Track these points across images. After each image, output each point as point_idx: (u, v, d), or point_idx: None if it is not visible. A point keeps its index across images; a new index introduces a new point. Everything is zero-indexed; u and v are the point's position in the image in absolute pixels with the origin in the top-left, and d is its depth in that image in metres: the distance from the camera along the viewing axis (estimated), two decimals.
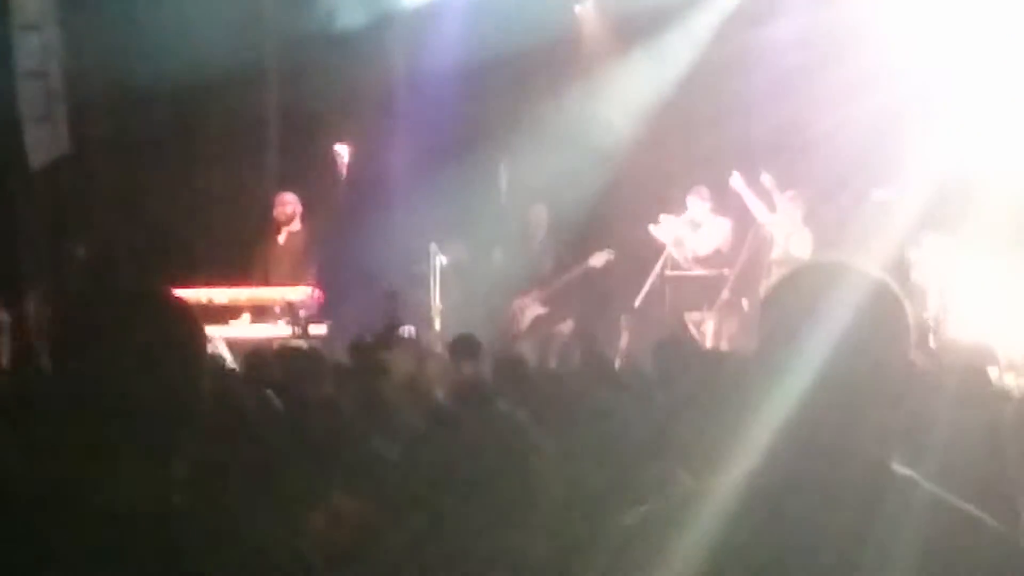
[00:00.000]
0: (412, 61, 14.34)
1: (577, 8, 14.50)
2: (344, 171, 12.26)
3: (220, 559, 2.09)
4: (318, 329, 11.46)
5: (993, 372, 7.79)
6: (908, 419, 2.27)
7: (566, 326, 13.13)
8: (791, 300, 2.28)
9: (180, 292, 2.27)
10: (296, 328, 11.30)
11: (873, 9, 12.57)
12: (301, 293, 11.60)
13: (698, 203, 12.88)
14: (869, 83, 12.23)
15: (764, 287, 11.42)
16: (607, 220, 13.62)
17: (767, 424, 2.20)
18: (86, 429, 2.12)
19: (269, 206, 12.54)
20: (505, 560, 3.89)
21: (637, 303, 12.75)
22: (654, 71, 13.73)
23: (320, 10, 13.65)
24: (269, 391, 6.87)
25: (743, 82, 13.10)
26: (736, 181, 12.63)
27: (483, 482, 4.00)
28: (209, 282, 11.55)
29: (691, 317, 12.63)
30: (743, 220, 12.74)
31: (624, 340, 12.93)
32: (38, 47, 12.65)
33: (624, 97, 13.85)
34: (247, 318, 11.73)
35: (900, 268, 10.21)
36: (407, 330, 11.73)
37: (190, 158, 13.92)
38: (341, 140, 12.70)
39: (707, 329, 12.47)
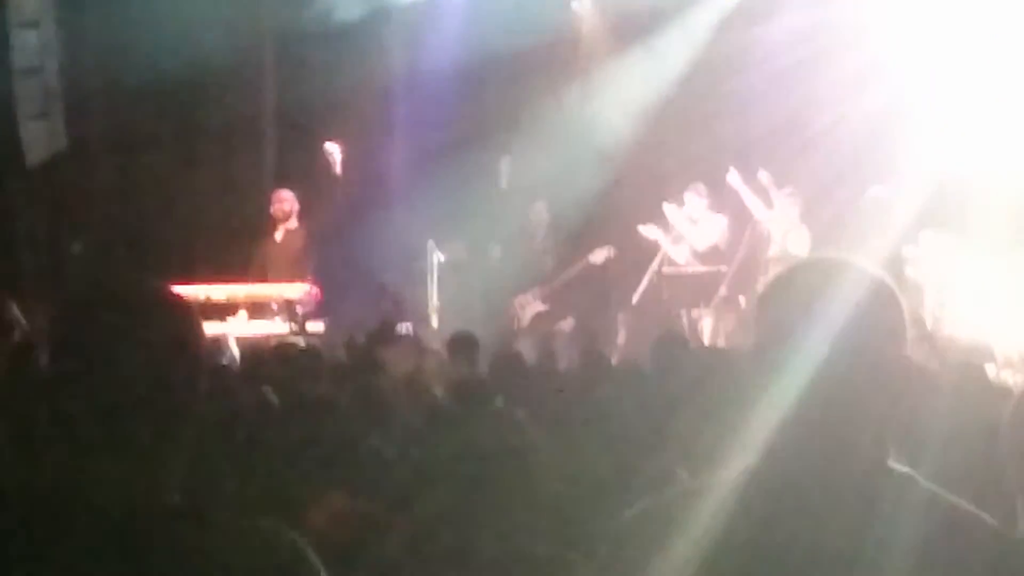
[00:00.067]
0: (410, 58, 14.34)
1: (575, 5, 14.49)
2: (341, 168, 12.24)
3: (219, 558, 2.09)
4: (316, 326, 11.46)
5: (991, 369, 7.79)
6: (905, 416, 2.27)
7: (566, 323, 13.15)
8: (788, 297, 2.28)
9: (178, 289, 2.26)
10: (294, 325, 11.30)
11: (870, 7, 12.57)
12: (299, 290, 11.59)
13: (695, 200, 12.89)
14: (866, 80, 12.24)
15: (761, 284, 11.42)
16: (606, 217, 13.63)
17: (764, 421, 2.20)
18: (84, 427, 2.12)
19: (266, 203, 12.54)
20: (503, 557, 3.89)
21: (634, 300, 12.76)
22: (652, 69, 13.73)
23: (318, 6, 13.64)
24: (267, 388, 6.87)
25: (741, 79, 13.10)
26: (733, 178, 12.63)
27: (481, 479, 4.00)
28: (207, 279, 11.55)
29: (688, 314, 12.64)
30: (740, 217, 12.75)
31: (622, 337, 12.95)
32: (36, 44, 12.65)
33: (622, 94, 13.86)
34: (244, 315, 11.72)
35: (895, 265, 10.21)
36: (404, 327, 11.74)
37: (187, 155, 13.92)
38: (338, 137, 12.69)
39: (704, 326, 12.47)
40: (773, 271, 11.23)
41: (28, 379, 6.57)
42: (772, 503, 2.19)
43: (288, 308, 11.46)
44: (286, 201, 12.35)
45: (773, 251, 12.44)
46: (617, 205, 13.64)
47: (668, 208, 12.82)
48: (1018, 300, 10.71)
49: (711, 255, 12.84)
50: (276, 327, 11.38)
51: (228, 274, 12.03)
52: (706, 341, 11.97)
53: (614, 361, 10.08)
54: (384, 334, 10.36)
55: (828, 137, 12.19)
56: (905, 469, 2.25)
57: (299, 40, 13.68)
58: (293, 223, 12.33)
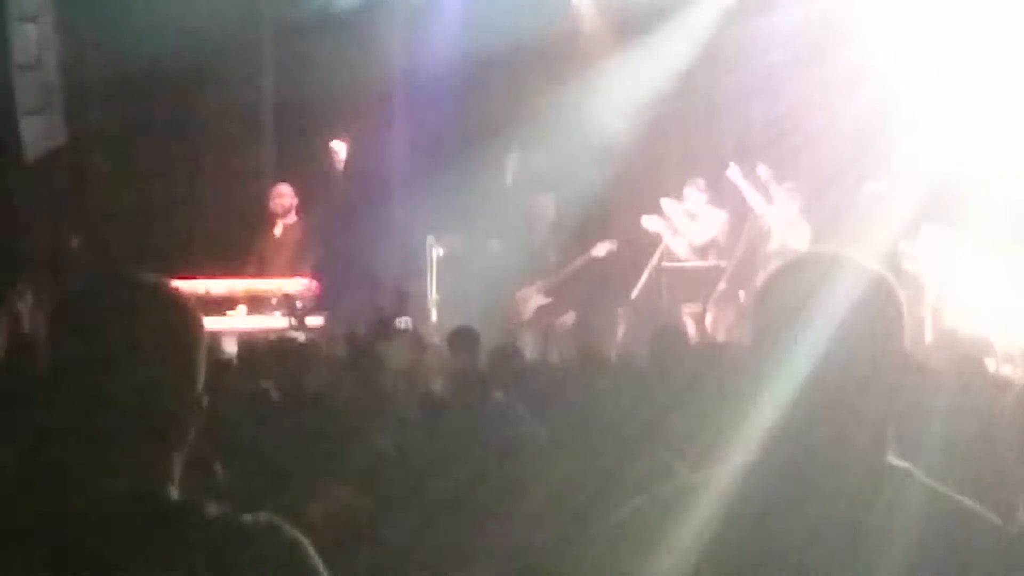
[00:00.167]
0: (410, 51, 14.33)
1: (574, 0, 14.50)
2: (341, 162, 12.25)
3: (217, 554, 2.09)
4: (315, 321, 11.46)
5: (990, 364, 7.78)
6: (904, 411, 2.27)
7: (568, 317, 13.16)
8: (786, 292, 2.28)
9: (177, 283, 2.26)
10: (293, 319, 11.30)
11: (868, 2, 12.57)
12: (298, 284, 11.59)
13: (695, 194, 12.89)
14: (866, 75, 12.25)
15: (760, 279, 11.42)
16: (607, 212, 13.63)
17: (762, 416, 2.20)
18: (83, 421, 2.11)
19: (265, 197, 12.54)
20: (500, 551, 3.90)
21: (634, 295, 12.77)
22: (652, 64, 13.72)
23: None
24: (266, 383, 6.87)
25: (741, 74, 13.11)
26: (733, 173, 12.64)
27: (479, 473, 4.01)
28: (206, 273, 11.54)
29: (688, 309, 12.65)
30: (740, 212, 12.76)
31: (621, 331, 12.96)
32: (35, 39, 12.63)
33: (622, 90, 13.85)
34: (243, 309, 11.72)
35: (893, 260, 10.21)
36: (403, 321, 11.74)
37: (186, 149, 13.91)
38: (338, 132, 12.69)
39: (704, 320, 12.48)
40: (772, 266, 11.27)
41: (28, 373, 6.58)
42: (770, 498, 2.19)
43: (287, 302, 11.46)
44: (285, 196, 12.36)
45: (773, 246, 12.44)
46: (618, 200, 13.64)
47: (667, 203, 12.83)
48: (1018, 295, 10.72)
49: (711, 249, 12.84)
50: (275, 321, 11.38)
51: (227, 268, 12.03)
52: (706, 336, 11.98)
53: (613, 355, 10.09)
54: (383, 328, 10.36)
55: (828, 132, 12.20)
56: (903, 463, 2.25)
57: (299, 33, 13.66)
58: (292, 218, 12.33)
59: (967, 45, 11.87)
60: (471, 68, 13.49)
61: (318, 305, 11.72)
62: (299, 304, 11.45)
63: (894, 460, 2.24)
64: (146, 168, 13.40)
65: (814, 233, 12.20)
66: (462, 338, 8.73)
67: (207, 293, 11.16)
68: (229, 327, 11.12)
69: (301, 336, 10.50)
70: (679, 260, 12.84)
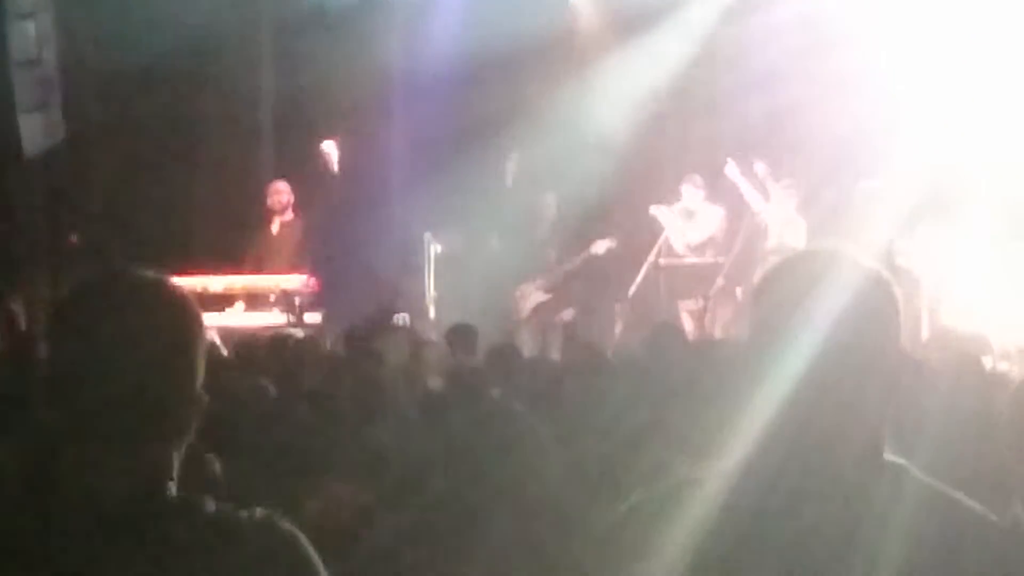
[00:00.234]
0: (409, 48, 14.33)
1: None
2: (334, 163, 12.24)
3: (216, 551, 2.09)
4: (313, 317, 11.46)
5: (987, 361, 7.79)
6: (900, 407, 2.28)
7: (567, 314, 13.17)
8: (783, 288, 2.28)
9: (176, 280, 2.25)
10: (291, 316, 11.29)
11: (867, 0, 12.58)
12: (296, 281, 11.59)
13: (692, 191, 12.89)
14: (864, 72, 12.25)
15: (758, 276, 11.42)
16: (606, 209, 13.63)
17: (759, 412, 2.21)
18: (82, 418, 2.12)
19: (263, 194, 12.54)
20: (499, 548, 3.90)
21: (631, 291, 12.77)
22: (649, 61, 13.72)
23: None
24: (264, 380, 6.87)
25: (738, 71, 13.10)
26: (730, 170, 12.64)
27: (477, 470, 4.01)
28: (204, 270, 11.54)
29: (685, 305, 12.66)
30: (737, 209, 12.75)
31: (619, 328, 12.97)
32: (33, 36, 12.62)
33: (620, 88, 13.84)
34: (241, 306, 11.72)
35: (889, 256, 10.22)
36: (401, 318, 11.74)
37: (185, 146, 13.91)
38: (336, 129, 12.68)
39: (702, 317, 12.48)
40: (770, 263, 11.26)
41: (28, 371, 6.58)
42: (767, 493, 2.20)
43: (285, 299, 11.46)
44: (282, 193, 12.36)
45: (770, 243, 12.45)
46: (617, 197, 13.64)
47: (657, 209, 12.81)
48: (1014, 292, 10.73)
49: (708, 246, 12.84)
50: (273, 318, 11.38)
51: (225, 265, 12.03)
52: (703, 333, 11.98)
53: (610, 352, 10.10)
54: (381, 325, 10.37)
55: (825, 129, 12.19)
56: (900, 460, 2.26)
57: (297, 31, 13.66)
58: (289, 215, 12.33)
59: (964, 42, 11.87)
60: (469, 66, 13.48)
61: (316, 302, 11.72)
62: (297, 301, 11.45)
63: (890, 457, 2.25)
64: (145, 165, 13.39)
65: (811, 230, 12.20)
66: (460, 335, 8.74)
67: (205, 290, 11.16)
68: (227, 324, 11.12)
69: (299, 333, 10.50)
70: (677, 257, 12.84)
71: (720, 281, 12.44)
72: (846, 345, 2.19)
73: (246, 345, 8.75)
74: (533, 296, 13.32)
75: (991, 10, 11.93)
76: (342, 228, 12.68)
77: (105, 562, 2.04)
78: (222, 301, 11.51)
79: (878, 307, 2.25)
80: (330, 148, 12.22)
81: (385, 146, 14.26)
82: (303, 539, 2.17)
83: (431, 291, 13.17)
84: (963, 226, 11.12)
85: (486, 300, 12.74)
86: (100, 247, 12.69)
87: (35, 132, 12.62)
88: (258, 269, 12.07)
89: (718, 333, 12.02)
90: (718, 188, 12.89)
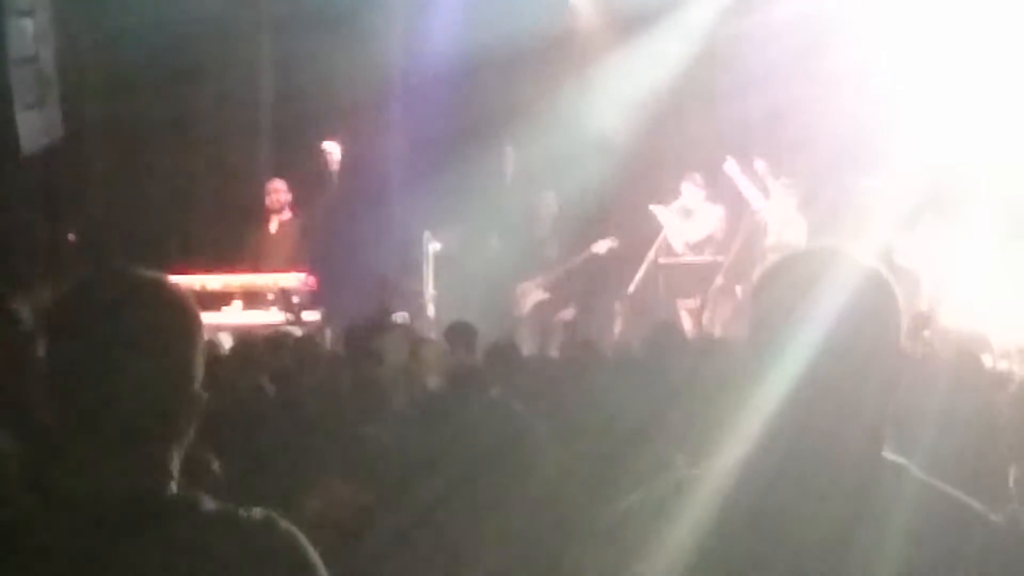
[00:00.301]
0: (409, 47, 14.33)
1: None
2: (334, 162, 12.23)
3: (215, 549, 2.09)
4: (312, 316, 11.45)
5: (987, 359, 7.79)
6: (900, 406, 2.27)
7: (567, 312, 13.18)
8: (783, 286, 2.28)
9: (174, 278, 2.25)
10: (289, 314, 11.29)
11: None
12: (295, 279, 11.58)
13: (692, 190, 12.90)
14: (863, 70, 12.25)
15: (757, 274, 11.42)
16: (607, 207, 13.64)
17: (759, 411, 2.20)
18: (81, 418, 2.11)
19: (261, 193, 12.53)
20: (498, 545, 3.90)
21: (631, 290, 12.78)
22: (649, 59, 13.72)
23: None
24: (263, 378, 6.87)
25: (738, 69, 13.10)
26: (730, 167, 12.64)
27: (477, 468, 4.01)
28: (202, 268, 11.53)
29: (685, 304, 12.66)
30: (737, 207, 12.76)
31: (618, 327, 12.97)
32: (31, 33, 12.60)
33: (619, 86, 13.85)
34: (239, 305, 11.71)
35: (889, 255, 10.22)
36: (400, 316, 11.73)
37: (183, 144, 13.90)
38: (336, 128, 12.67)
39: (701, 316, 12.48)
40: (769, 261, 11.24)
41: (27, 370, 6.57)
42: (766, 492, 2.19)
43: (284, 297, 11.45)
44: (280, 191, 12.36)
45: (770, 241, 12.45)
46: (616, 195, 13.64)
47: (657, 208, 12.82)
48: (1014, 291, 10.73)
49: (707, 245, 12.85)
50: (272, 317, 11.37)
51: (223, 264, 12.02)
52: (702, 331, 11.98)
53: (609, 351, 10.10)
54: (381, 323, 10.35)
55: (825, 127, 12.20)
56: (899, 459, 2.25)
57: (297, 29, 13.65)
58: (287, 214, 12.32)
59: (963, 41, 11.87)
60: (469, 65, 13.48)
61: (314, 300, 11.72)
62: (295, 299, 11.45)
63: (890, 455, 2.25)
64: (143, 163, 13.38)
65: (811, 228, 12.20)
66: (460, 333, 8.73)
67: (203, 288, 11.15)
68: (225, 322, 11.11)
69: (297, 331, 10.49)
70: (676, 255, 12.85)
71: (719, 280, 12.45)
72: (846, 344, 2.19)
73: (244, 344, 8.74)
74: (533, 295, 13.33)
75: (991, 10, 11.93)
76: (341, 227, 12.67)
77: (105, 562, 2.04)
78: (220, 299, 11.50)
79: (878, 306, 2.25)
80: (331, 147, 12.21)
81: (384, 145, 14.25)
82: (303, 538, 2.17)
83: (430, 290, 13.17)
84: (963, 226, 11.12)
85: (486, 299, 12.74)
86: (98, 245, 12.69)
87: (33, 130, 12.60)
88: (256, 267, 12.06)
89: (718, 332, 12.02)
90: (718, 186, 12.89)
